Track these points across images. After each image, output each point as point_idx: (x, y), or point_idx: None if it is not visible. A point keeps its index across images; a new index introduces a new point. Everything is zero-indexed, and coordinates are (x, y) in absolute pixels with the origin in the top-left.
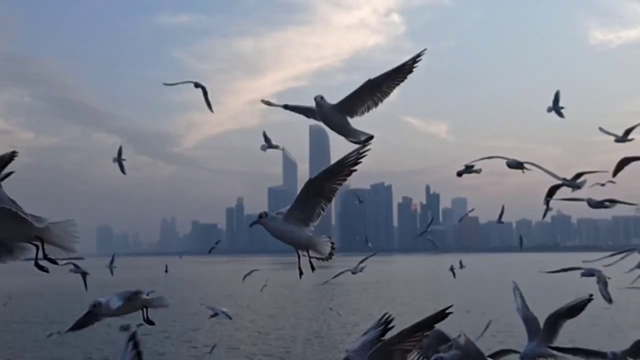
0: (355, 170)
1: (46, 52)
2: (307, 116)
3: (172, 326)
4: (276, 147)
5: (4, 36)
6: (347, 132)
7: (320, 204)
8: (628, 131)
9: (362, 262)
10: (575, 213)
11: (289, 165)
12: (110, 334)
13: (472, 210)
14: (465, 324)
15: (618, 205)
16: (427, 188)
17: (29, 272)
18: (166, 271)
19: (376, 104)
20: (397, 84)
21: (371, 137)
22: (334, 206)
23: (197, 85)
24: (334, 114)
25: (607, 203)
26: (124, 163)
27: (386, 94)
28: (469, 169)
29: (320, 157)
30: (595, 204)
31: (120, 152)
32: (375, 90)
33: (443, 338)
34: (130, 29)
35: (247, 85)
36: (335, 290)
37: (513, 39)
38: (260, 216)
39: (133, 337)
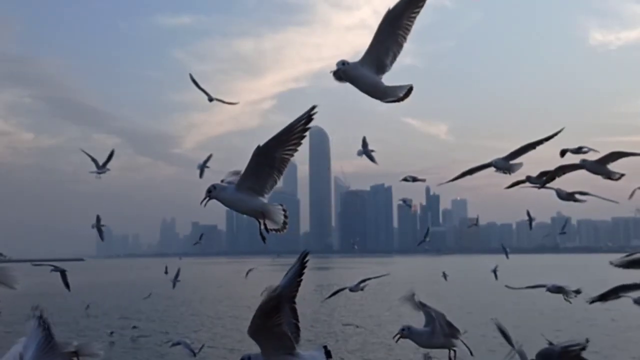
0: (304, 136)
1: (46, 53)
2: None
3: (173, 327)
4: None
5: (3, 36)
6: (383, 92)
7: (272, 174)
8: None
9: (364, 281)
10: (575, 214)
11: (289, 166)
12: (113, 334)
13: (477, 217)
14: (468, 325)
15: (618, 206)
16: (427, 189)
17: (29, 273)
18: (166, 272)
19: (401, 46)
20: (419, 10)
21: (410, 89)
22: (334, 206)
23: (210, 99)
24: (364, 74)
25: (577, 195)
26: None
27: (408, 28)
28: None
29: (320, 158)
30: (565, 196)
31: (208, 159)
32: (395, 27)
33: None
34: (130, 30)
35: (247, 86)
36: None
37: (513, 39)
38: (210, 190)
39: (41, 317)
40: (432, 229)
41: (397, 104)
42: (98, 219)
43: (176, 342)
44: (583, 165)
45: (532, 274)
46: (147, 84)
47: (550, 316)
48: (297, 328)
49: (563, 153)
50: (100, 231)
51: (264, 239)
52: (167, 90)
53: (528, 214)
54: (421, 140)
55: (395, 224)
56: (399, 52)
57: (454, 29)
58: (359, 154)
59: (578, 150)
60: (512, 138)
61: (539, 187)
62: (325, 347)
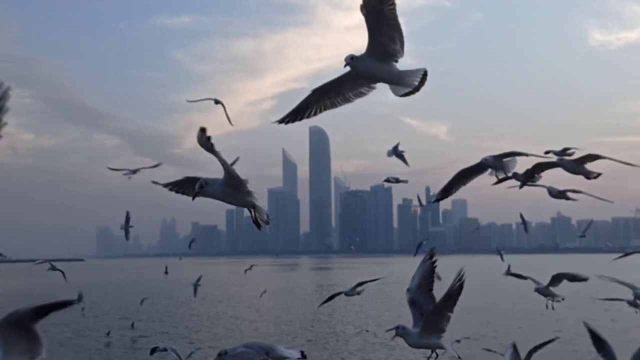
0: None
1: (46, 53)
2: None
3: (174, 327)
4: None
5: (4, 37)
6: (398, 77)
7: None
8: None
9: (360, 284)
10: (575, 214)
11: (289, 166)
12: (111, 336)
13: (479, 224)
14: (468, 325)
15: (618, 206)
16: (427, 189)
17: (29, 273)
18: (166, 272)
19: (401, 34)
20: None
21: (425, 74)
22: (334, 207)
23: (217, 102)
24: (374, 64)
25: (569, 193)
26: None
27: (392, 16)
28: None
29: (320, 158)
30: (557, 194)
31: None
32: (379, 15)
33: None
34: (130, 30)
35: (247, 87)
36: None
37: (513, 40)
38: (202, 186)
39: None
40: (432, 229)
41: (395, 104)
42: (127, 218)
43: (163, 348)
44: (560, 163)
45: (532, 274)
46: (147, 84)
47: (551, 316)
48: None
49: (547, 153)
50: (127, 231)
51: (259, 226)
52: (167, 91)
53: (521, 216)
54: (421, 140)
55: (395, 224)
56: (402, 35)
57: (453, 29)
58: (389, 154)
59: (562, 152)
60: (512, 138)
61: (520, 186)
62: (302, 352)
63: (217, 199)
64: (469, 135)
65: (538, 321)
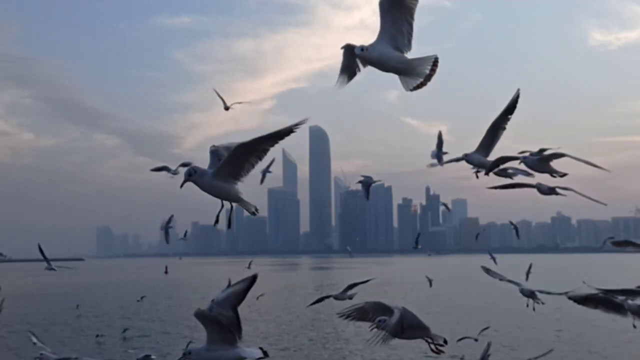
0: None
1: (46, 54)
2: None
3: (175, 327)
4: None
5: (4, 37)
6: (408, 66)
7: (250, 162)
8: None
9: (351, 287)
10: (575, 214)
11: (289, 166)
12: (106, 336)
13: (479, 232)
14: (468, 325)
15: (618, 206)
16: (427, 189)
17: (29, 273)
18: (166, 272)
19: (412, 28)
20: None
21: (436, 61)
22: (334, 206)
23: (226, 108)
24: (387, 51)
25: (558, 190)
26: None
27: (412, 6)
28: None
29: (320, 158)
30: (546, 190)
31: (271, 164)
32: (399, 5)
33: (384, 308)
34: (130, 30)
35: (247, 87)
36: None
37: (512, 40)
38: (190, 174)
39: None
40: (432, 229)
41: (396, 104)
42: (170, 219)
43: (142, 357)
44: (523, 160)
45: (533, 274)
46: (147, 84)
47: (551, 317)
48: (239, 327)
49: (522, 153)
50: (167, 232)
51: (216, 222)
52: (167, 91)
53: (511, 223)
54: (421, 140)
55: (395, 223)
56: (412, 29)
57: (453, 29)
58: (434, 155)
59: (539, 153)
60: (512, 138)
61: (486, 173)
62: (261, 348)
63: (205, 190)
64: (469, 135)
65: (538, 321)
